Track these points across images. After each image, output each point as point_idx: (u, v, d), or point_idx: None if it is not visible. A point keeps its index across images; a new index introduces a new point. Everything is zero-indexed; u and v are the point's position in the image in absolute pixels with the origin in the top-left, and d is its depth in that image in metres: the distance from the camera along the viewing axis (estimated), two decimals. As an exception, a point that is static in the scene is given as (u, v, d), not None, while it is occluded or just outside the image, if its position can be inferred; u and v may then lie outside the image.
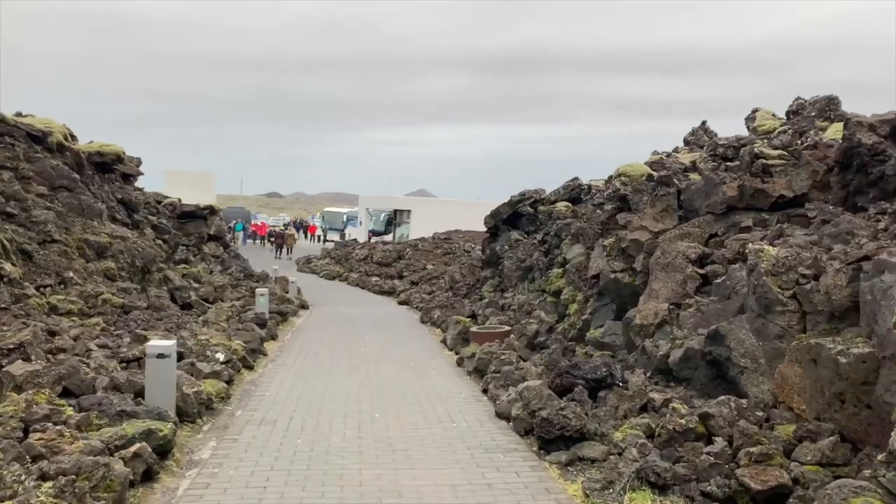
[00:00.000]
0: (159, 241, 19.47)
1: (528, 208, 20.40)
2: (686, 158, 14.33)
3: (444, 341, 15.48)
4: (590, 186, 21.67)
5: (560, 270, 15.12)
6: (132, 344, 11.07)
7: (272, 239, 47.60)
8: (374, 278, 32.67)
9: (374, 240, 49.43)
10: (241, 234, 49.01)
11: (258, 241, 52.68)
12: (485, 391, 10.73)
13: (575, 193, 21.14)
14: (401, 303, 25.41)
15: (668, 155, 15.21)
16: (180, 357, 10.92)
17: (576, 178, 21.21)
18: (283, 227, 53.31)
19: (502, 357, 11.34)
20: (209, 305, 16.91)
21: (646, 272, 11.16)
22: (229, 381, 10.67)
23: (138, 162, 20.16)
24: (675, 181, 11.82)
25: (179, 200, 26.66)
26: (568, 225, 15.53)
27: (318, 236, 62.70)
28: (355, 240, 49.09)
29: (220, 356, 11.12)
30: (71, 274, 14.51)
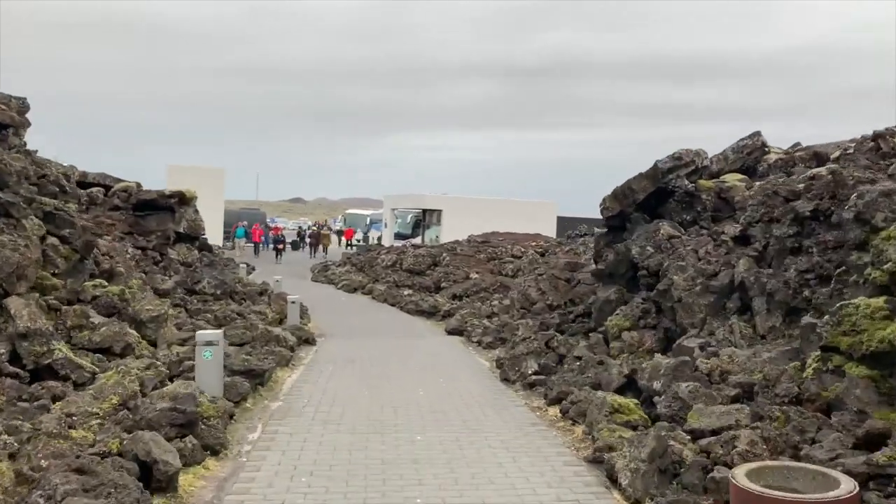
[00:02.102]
0: (52, 241, 10.55)
1: (686, 182, 11.23)
2: None
3: (609, 474, 6.31)
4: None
5: (884, 302, 5.95)
6: None
7: (280, 246, 38.08)
8: (406, 291, 23.69)
9: (402, 243, 40.62)
10: (241, 241, 38.85)
11: (250, 247, 40.81)
12: None
13: (752, 160, 12.00)
14: (451, 332, 16.32)
15: None
16: None
17: (756, 135, 12.06)
18: (317, 229, 49.08)
19: None
20: (99, 372, 7.88)
21: None
22: None
23: (21, 106, 11.02)
24: None
25: (138, 185, 17.75)
26: (889, 195, 6.37)
27: (359, 241, 51.26)
28: (379, 243, 40.07)
29: None
30: None
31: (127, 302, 10.72)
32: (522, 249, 29.53)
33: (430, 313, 19.61)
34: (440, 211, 44.65)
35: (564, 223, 44.14)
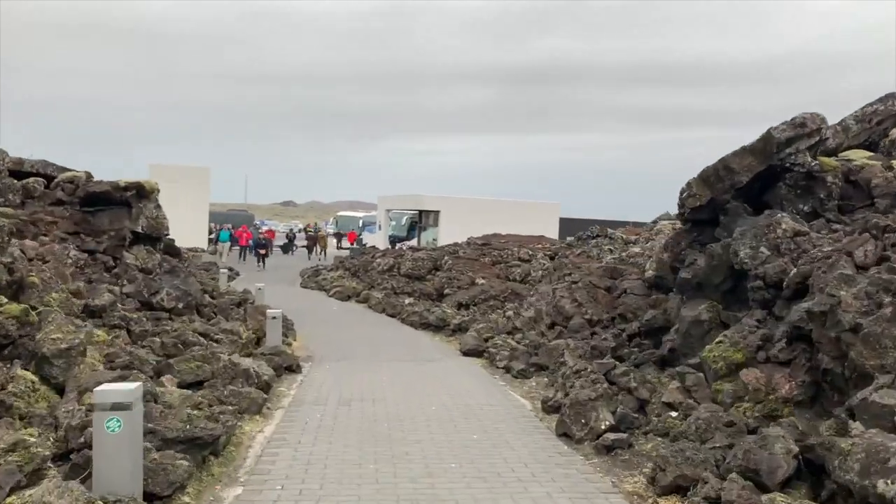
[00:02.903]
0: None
1: (808, 159, 8.05)
2: None
3: None
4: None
5: None
6: None
7: (262, 251, 34.41)
8: (407, 299, 20.50)
9: (398, 246, 37.36)
10: (225, 245, 34.79)
11: (236, 251, 36.67)
12: None
13: (880, 132, 8.87)
14: (467, 352, 13.09)
15: None
16: None
17: (890, 98, 8.91)
18: (313, 231, 47.20)
19: None
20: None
21: None
22: None
23: None
24: None
25: (87, 175, 14.44)
26: None
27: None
28: (374, 247, 36.77)
29: None
30: None
31: (31, 327, 7.45)
32: (530, 252, 26.44)
33: (438, 327, 16.39)
34: (438, 212, 41.48)
35: (567, 225, 41.26)
